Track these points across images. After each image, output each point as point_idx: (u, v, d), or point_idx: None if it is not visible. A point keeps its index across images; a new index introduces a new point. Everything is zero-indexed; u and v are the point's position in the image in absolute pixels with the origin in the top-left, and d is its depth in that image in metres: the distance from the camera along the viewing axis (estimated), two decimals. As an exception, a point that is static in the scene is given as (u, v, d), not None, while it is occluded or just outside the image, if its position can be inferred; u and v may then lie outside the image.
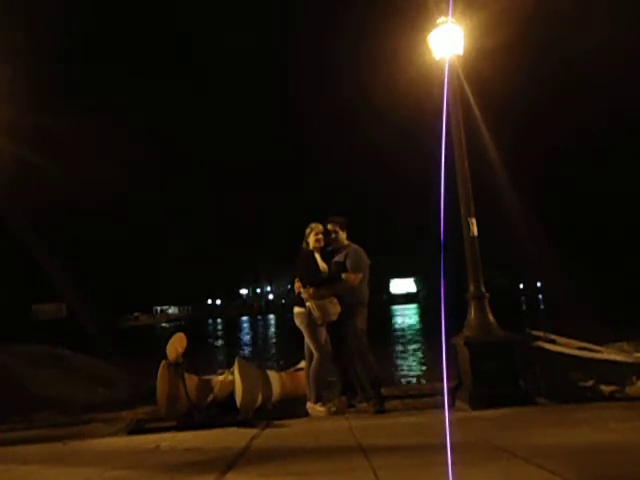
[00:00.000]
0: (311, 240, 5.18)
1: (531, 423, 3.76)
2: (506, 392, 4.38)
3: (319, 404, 4.75)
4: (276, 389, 4.94)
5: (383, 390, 5.01)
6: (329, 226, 5.28)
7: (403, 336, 23.59)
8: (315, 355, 4.84)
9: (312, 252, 5.17)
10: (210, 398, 4.62)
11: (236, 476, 2.85)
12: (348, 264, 5.06)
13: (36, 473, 3.25)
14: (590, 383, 4.50)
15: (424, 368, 12.41)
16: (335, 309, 4.88)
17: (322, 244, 5.20)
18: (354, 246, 5.24)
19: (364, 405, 4.89)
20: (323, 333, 4.89)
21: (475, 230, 4.85)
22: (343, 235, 5.30)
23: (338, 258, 5.16)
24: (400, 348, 17.47)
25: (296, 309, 5.00)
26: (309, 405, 4.78)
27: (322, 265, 5.13)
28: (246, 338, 35.70)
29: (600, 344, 4.98)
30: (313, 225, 5.25)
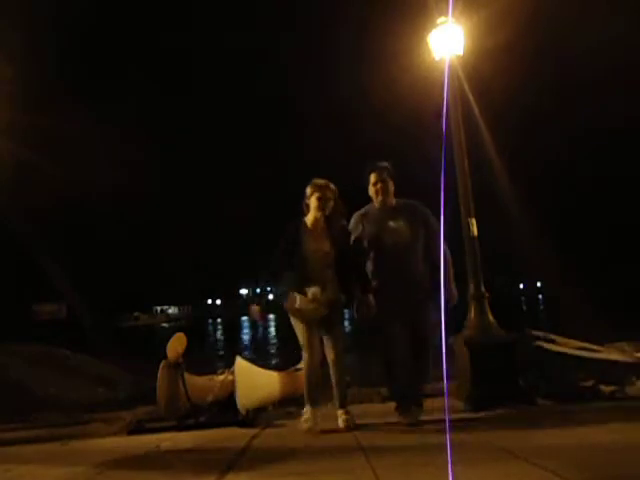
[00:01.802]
0: (312, 204, 3.85)
1: (531, 423, 3.75)
2: (506, 392, 4.38)
3: (304, 416, 3.89)
4: (276, 389, 4.93)
5: (383, 390, 5.00)
6: (373, 176, 3.97)
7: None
8: (303, 355, 3.97)
9: (302, 230, 3.87)
10: (210, 398, 4.62)
11: (236, 476, 2.85)
12: (433, 226, 3.86)
13: (36, 473, 3.25)
14: (590, 383, 4.51)
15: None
16: (310, 304, 3.78)
17: (328, 212, 3.87)
18: (415, 202, 4.01)
19: (416, 410, 3.92)
20: (309, 329, 3.86)
21: (475, 230, 4.85)
22: (392, 189, 4.00)
23: (404, 222, 3.86)
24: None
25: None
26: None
27: (319, 247, 3.81)
28: (246, 338, 35.70)
29: (600, 344, 4.98)
30: (318, 181, 3.90)
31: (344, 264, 3.85)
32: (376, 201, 4.07)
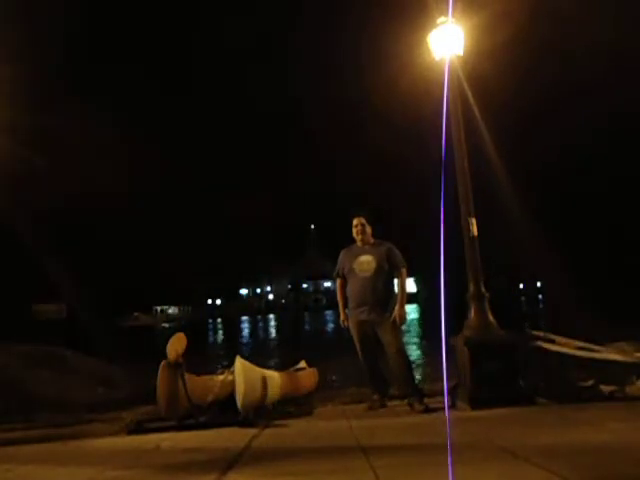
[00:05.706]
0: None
1: (531, 423, 3.76)
2: (506, 392, 4.38)
3: None
4: (276, 389, 4.93)
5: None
6: (355, 220, 4.92)
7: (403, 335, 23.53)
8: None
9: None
10: (210, 398, 4.62)
11: (236, 476, 2.85)
12: (395, 261, 4.87)
13: (36, 473, 3.25)
14: (590, 383, 4.50)
15: (424, 368, 12.39)
16: None
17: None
18: (386, 242, 4.95)
19: (410, 404, 4.62)
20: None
21: (475, 230, 4.85)
22: (370, 231, 4.95)
23: (372, 257, 4.82)
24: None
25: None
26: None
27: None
28: (246, 338, 35.72)
29: (600, 344, 4.97)
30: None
31: None
32: (357, 240, 4.95)
